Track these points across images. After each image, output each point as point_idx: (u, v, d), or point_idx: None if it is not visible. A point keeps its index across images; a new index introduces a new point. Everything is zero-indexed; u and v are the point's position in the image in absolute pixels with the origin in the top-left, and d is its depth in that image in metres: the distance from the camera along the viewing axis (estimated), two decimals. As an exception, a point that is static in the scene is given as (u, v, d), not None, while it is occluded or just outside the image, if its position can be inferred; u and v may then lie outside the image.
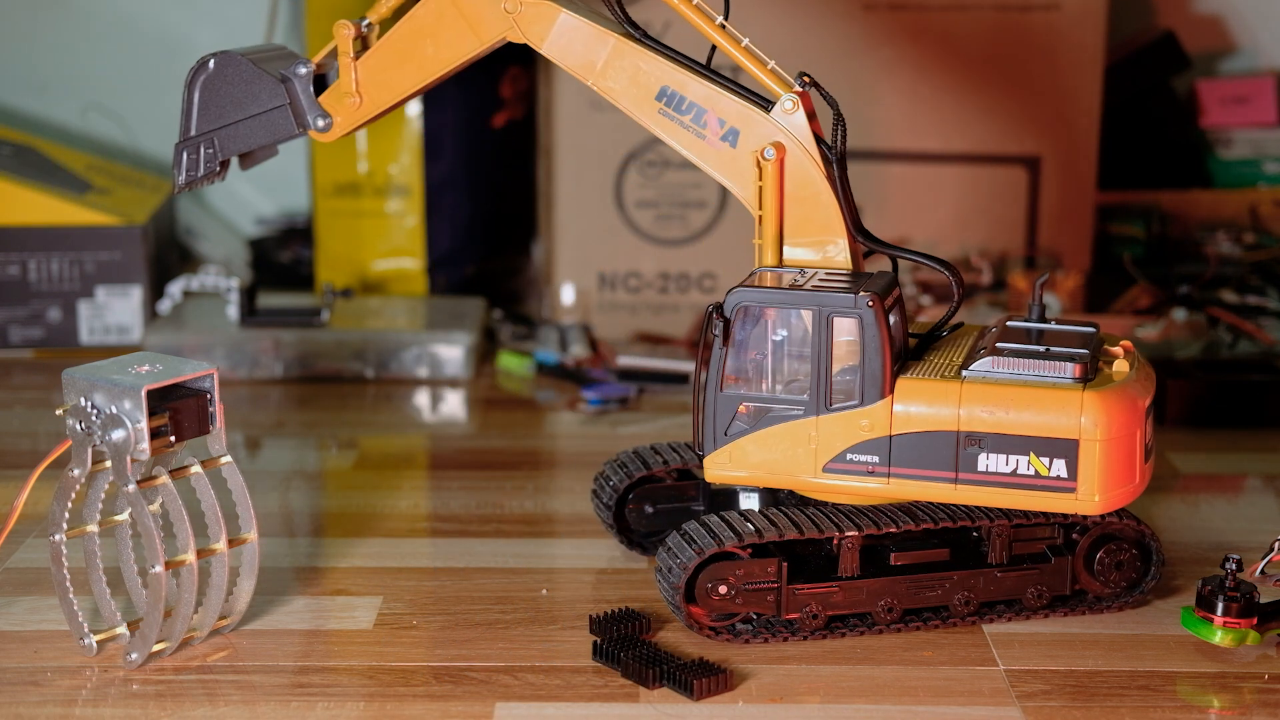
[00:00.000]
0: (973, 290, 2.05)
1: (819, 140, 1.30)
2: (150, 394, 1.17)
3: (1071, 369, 1.23)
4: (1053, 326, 1.31)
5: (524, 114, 2.30)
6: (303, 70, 1.38)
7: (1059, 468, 1.23)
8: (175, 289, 2.05)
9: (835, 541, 1.27)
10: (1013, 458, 1.23)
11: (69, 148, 2.33)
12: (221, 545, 1.24)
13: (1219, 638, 1.23)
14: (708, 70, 1.32)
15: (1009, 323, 1.32)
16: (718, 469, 1.29)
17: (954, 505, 1.29)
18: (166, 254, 2.24)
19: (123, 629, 1.26)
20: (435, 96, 2.17)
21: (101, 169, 2.26)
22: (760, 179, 1.30)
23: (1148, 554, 1.32)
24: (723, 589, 1.26)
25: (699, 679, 1.18)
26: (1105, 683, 1.21)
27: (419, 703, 1.18)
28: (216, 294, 2.06)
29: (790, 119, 1.29)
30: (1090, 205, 2.10)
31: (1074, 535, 1.31)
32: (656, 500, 1.42)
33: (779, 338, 1.27)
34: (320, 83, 1.41)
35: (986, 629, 1.29)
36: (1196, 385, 1.80)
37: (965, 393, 1.23)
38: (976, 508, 1.29)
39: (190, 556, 1.21)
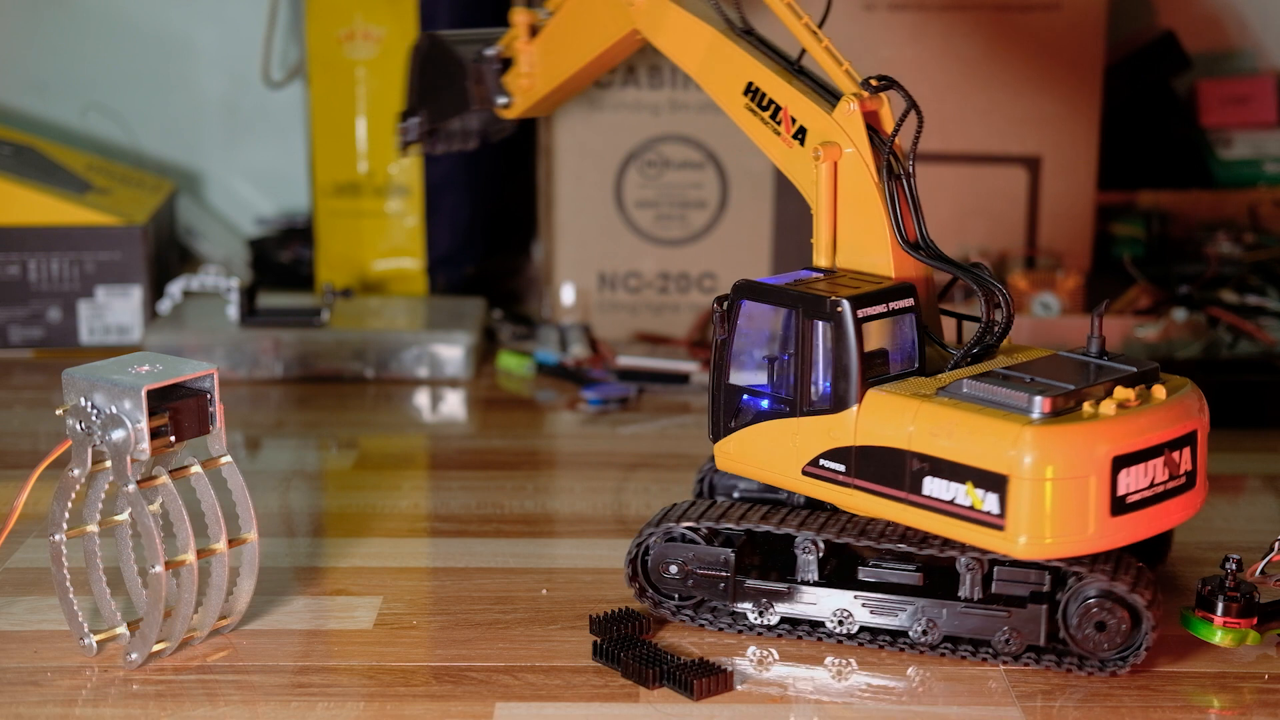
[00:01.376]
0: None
1: (886, 145, 1.27)
2: (150, 394, 1.17)
3: (1041, 402, 1.15)
4: (1103, 362, 1.23)
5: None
6: (489, 53, 1.57)
7: (991, 502, 1.16)
8: (175, 289, 2.05)
9: (797, 543, 1.26)
10: (953, 485, 1.17)
11: (69, 148, 2.33)
12: (221, 545, 1.24)
13: (1219, 638, 1.23)
14: (796, 69, 1.32)
15: (1061, 352, 1.26)
16: (725, 458, 1.30)
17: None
18: (166, 254, 2.24)
19: (123, 629, 1.26)
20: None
21: (101, 169, 2.26)
22: (816, 180, 1.29)
23: (1139, 621, 1.20)
24: (673, 569, 1.27)
25: (699, 679, 1.18)
26: (1105, 683, 1.21)
27: (419, 703, 1.18)
28: (216, 294, 2.06)
29: (847, 120, 1.28)
30: (1090, 205, 2.10)
31: (1063, 584, 1.21)
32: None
33: (771, 334, 1.27)
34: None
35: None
36: (1197, 385, 1.80)
37: (920, 412, 1.18)
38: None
39: (190, 556, 1.21)
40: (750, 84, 1.33)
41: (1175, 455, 1.19)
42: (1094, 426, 1.15)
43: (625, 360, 1.99)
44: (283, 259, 2.33)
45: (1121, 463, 1.16)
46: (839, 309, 1.21)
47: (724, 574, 1.26)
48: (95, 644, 1.24)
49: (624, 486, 1.62)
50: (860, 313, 1.21)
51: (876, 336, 1.23)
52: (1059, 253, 2.10)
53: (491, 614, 1.33)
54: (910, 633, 1.24)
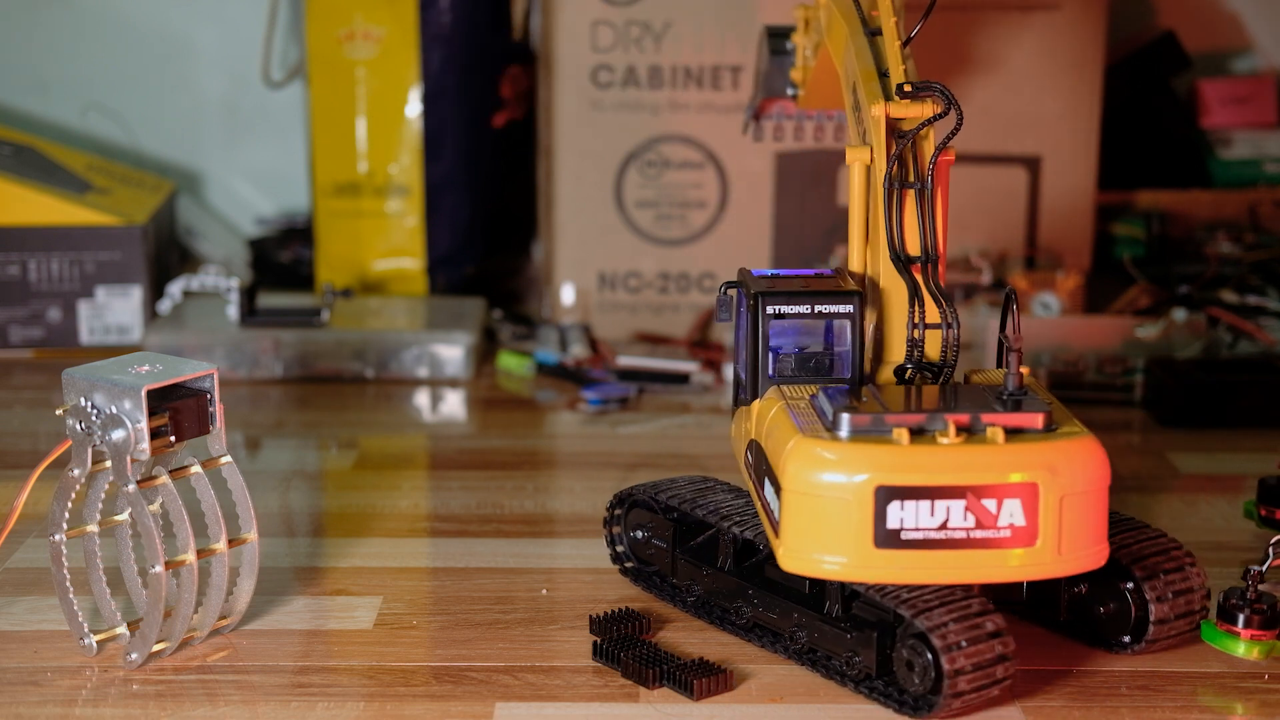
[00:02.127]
0: (973, 290, 2.04)
1: (896, 152, 1.24)
2: (150, 394, 1.17)
3: (848, 420, 1.12)
4: (1001, 397, 1.15)
5: (524, 114, 2.30)
6: (790, 46, 1.65)
7: (776, 508, 1.15)
8: (175, 289, 2.05)
9: (720, 532, 1.28)
10: (770, 487, 1.17)
11: (69, 148, 2.33)
12: (221, 545, 1.24)
13: (1243, 650, 1.21)
14: (883, 72, 1.31)
15: (972, 382, 1.22)
16: (732, 440, 1.34)
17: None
18: (166, 254, 2.24)
19: (123, 629, 1.26)
20: (435, 96, 2.17)
21: (101, 169, 2.26)
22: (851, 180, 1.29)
23: (941, 672, 1.11)
24: (640, 534, 1.34)
25: (699, 679, 1.18)
26: (1105, 683, 1.21)
27: (419, 703, 1.18)
28: (216, 294, 2.06)
29: (873, 124, 1.26)
30: (1090, 205, 2.10)
31: (901, 619, 1.15)
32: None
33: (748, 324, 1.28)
34: None
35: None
36: (1196, 385, 1.80)
37: (761, 412, 1.19)
38: None
39: (190, 556, 1.21)
40: (853, 83, 1.33)
41: (987, 504, 1.10)
42: (863, 450, 1.11)
43: (625, 360, 1.99)
44: (283, 259, 2.33)
45: (892, 494, 1.10)
46: (753, 302, 1.22)
47: (667, 547, 1.33)
48: (95, 644, 1.24)
49: (624, 487, 1.62)
50: (771, 309, 1.21)
51: (804, 336, 1.23)
52: (1059, 253, 2.10)
53: (491, 614, 1.33)
54: (780, 636, 1.23)
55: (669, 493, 1.34)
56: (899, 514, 1.10)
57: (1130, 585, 1.22)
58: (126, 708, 1.17)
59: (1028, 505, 1.10)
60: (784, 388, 1.22)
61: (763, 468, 1.19)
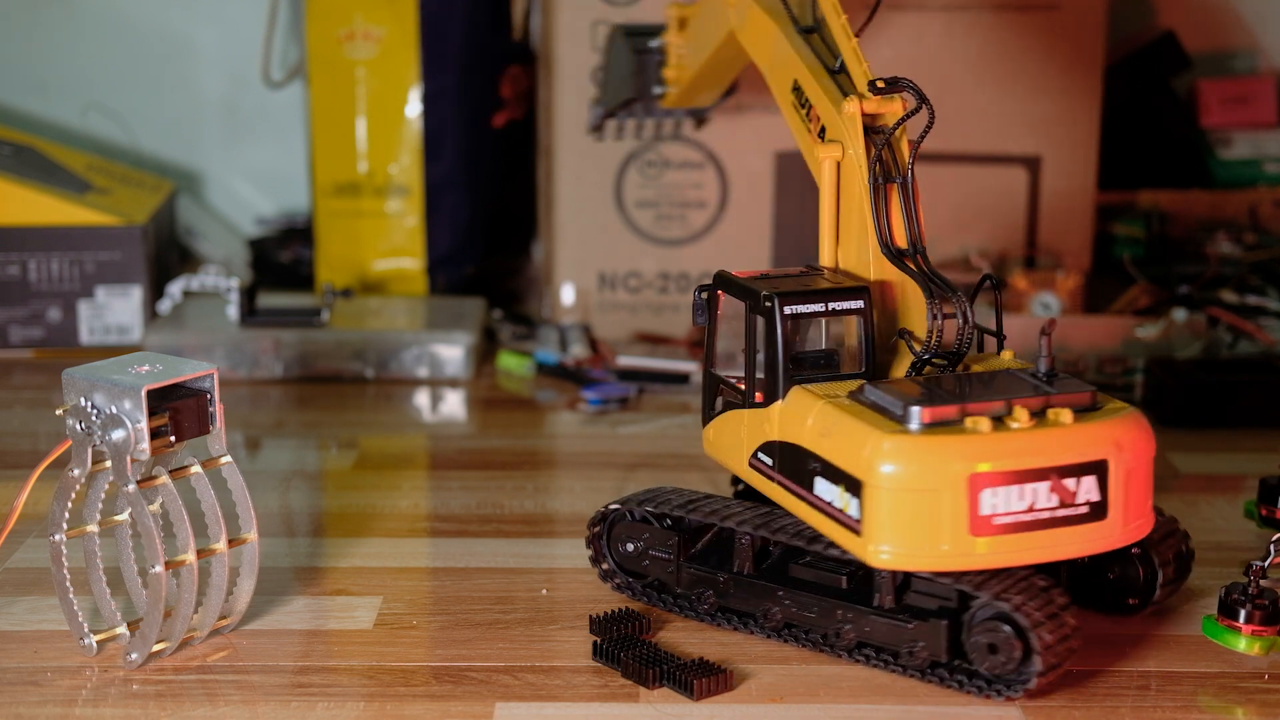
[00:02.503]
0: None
1: (878, 147, 1.26)
2: (150, 394, 1.17)
3: (919, 412, 1.13)
4: (1039, 381, 1.18)
5: (524, 114, 2.30)
6: (653, 44, 1.67)
7: (854, 507, 1.15)
8: (175, 289, 2.05)
9: (736, 536, 1.27)
10: (833, 487, 1.17)
11: (69, 148, 2.33)
12: (221, 545, 1.24)
13: (1244, 645, 1.22)
14: (839, 69, 1.32)
15: (1009, 369, 1.23)
16: (708, 444, 1.33)
17: None
18: (166, 254, 2.24)
19: (123, 629, 1.26)
20: (435, 96, 2.17)
21: (101, 169, 2.26)
22: (821, 177, 1.30)
23: (1030, 649, 1.14)
24: (630, 546, 1.32)
25: (699, 679, 1.18)
26: (1105, 683, 1.21)
27: (419, 703, 1.18)
28: (216, 294, 2.06)
29: (847, 120, 1.27)
30: (1090, 205, 2.10)
31: (969, 603, 1.17)
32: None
33: (738, 326, 1.28)
34: None
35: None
36: (1196, 385, 1.80)
37: (815, 411, 1.18)
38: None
39: (190, 556, 1.21)
40: (795, 82, 1.34)
41: (1068, 482, 1.14)
42: (954, 440, 1.12)
43: (625, 360, 1.99)
44: (283, 259, 2.33)
45: (985, 481, 1.12)
46: (769, 304, 1.21)
47: (670, 558, 1.30)
48: (95, 644, 1.24)
49: (624, 486, 1.62)
50: (789, 309, 1.21)
51: (814, 335, 1.24)
52: (1059, 253, 2.10)
53: (491, 614, 1.33)
54: (826, 634, 1.23)
55: (660, 502, 1.32)
56: (991, 500, 1.12)
57: (1138, 550, 1.26)
58: (126, 708, 1.17)
59: (1100, 481, 1.15)
60: (810, 386, 1.21)
61: (806, 467, 1.19)
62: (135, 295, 2.08)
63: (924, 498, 1.12)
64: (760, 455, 1.24)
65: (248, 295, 1.99)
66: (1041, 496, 1.13)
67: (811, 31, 1.37)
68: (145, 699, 1.18)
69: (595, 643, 1.24)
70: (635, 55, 1.70)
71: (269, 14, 2.37)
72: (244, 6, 2.43)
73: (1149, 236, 2.22)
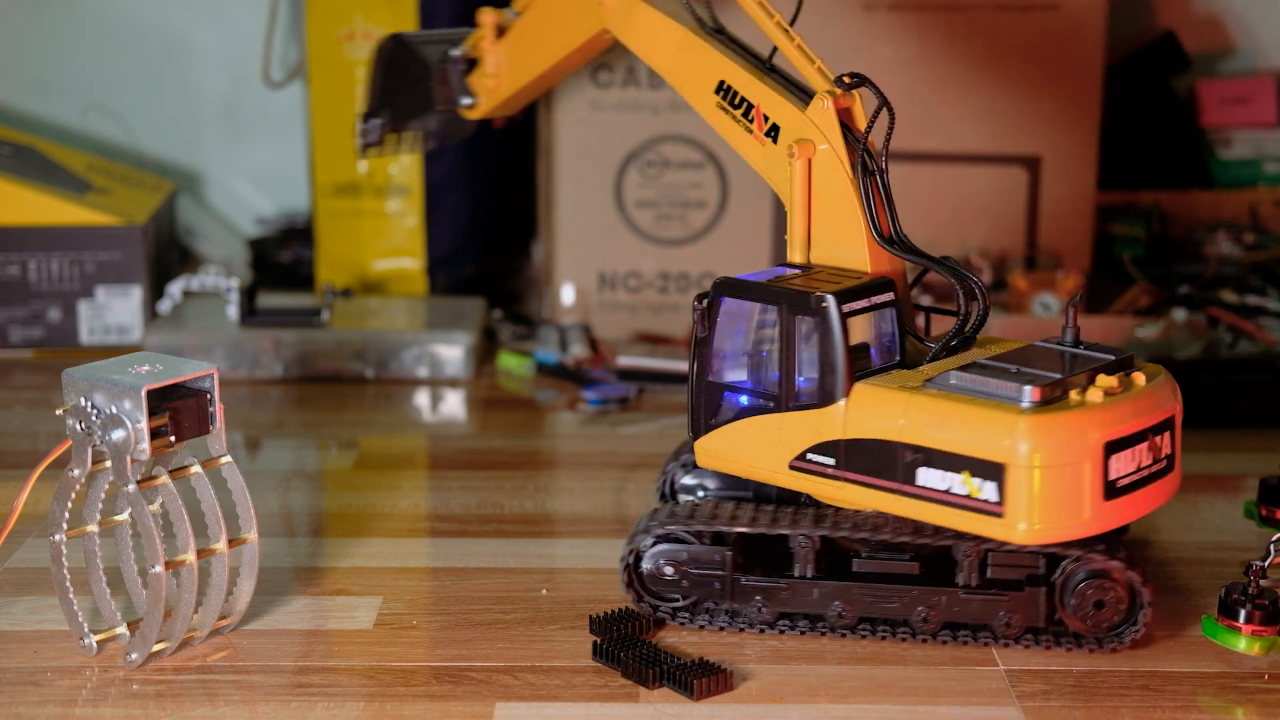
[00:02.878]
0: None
1: (860, 141, 1.28)
2: (150, 394, 1.17)
3: (1030, 391, 1.17)
4: (1079, 351, 1.25)
5: (524, 114, 2.30)
6: (455, 53, 1.58)
7: (989, 490, 1.17)
8: (175, 289, 2.05)
9: (791, 540, 1.27)
10: (948, 475, 1.19)
11: (69, 148, 2.33)
12: (221, 545, 1.24)
13: (1244, 645, 1.21)
14: (767, 66, 1.33)
15: (1037, 343, 1.27)
16: (706, 455, 1.30)
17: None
18: (166, 254, 2.24)
19: (123, 629, 1.26)
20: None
21: (101, 169, 2.26)
22: (790, 177, 1.30)
23: (1135, 597, 1.24)
24: (669, 570, 1.27)
25: (699, 679, 1.18)
26: (1105, 683, 1.21)
27: (419, 703, 1.18)
28: (216, 294, 2.06)
29: (821, 117, 1.28)
30: (1090, 205, 2.10)
31: (1058, 566, 1.24)
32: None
33: (752, 331, 1.27)
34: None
35: (986, 629, 1.30)
36: (1196, 385, 1.80)
37: (912, 404, 1.19)
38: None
39: (190, 556, 1.21)
40: (722, 82, 1.34)
41: (1157, 440, 1.23)
42: (1086, 414, 1.17)
43: (625, 360, 1.99)
44: (283, 259, 2.33)
45: (1112, 448, 1.18)
46: (824, 304, 1.21)
47: (721, 573, 1.27)
48: (95, 644, 1.24)
49: (624, 486, 1.62)
50: (845, 308, 1.22)
51: (859, 331, 1.24)
52: (1059, 253, 2.10)
53: (491, 614, 1.33)
54: (910, 620, 1.25)
55: (695, 521, 1.28)
56: (1116, 466, 1.19)
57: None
58: (126, 708, 1.17)
59: (1171, 435, 1.26)
60: (872, 382, 1.22)
61: (901, 461, 1.20)
62: (135, 295, 2.08)
63: (1067, 471, 1.16)
64: (813, 457, 1.24)
65: (248, 295, 1.99)
66: (1143, 456, 1.22)
67: (719, 32, 1.37)
68: (145, 699, 1.18)
69: (595, 643, 1.24)
70: (436, 64, 1.62)
71: (269, 14, 2.38)
72: (244, 6, 2.43)
73: (1149, 236, 2.22)
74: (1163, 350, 1.90)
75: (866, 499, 1.23)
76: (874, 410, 1.21)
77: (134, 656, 1.22)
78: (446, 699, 1.18)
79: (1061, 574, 1.24)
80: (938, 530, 1.24)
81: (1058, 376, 1.19)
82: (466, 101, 1.61)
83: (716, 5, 1.38)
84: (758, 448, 1.27)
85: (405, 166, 2.18)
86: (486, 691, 1.19)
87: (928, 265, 1.27)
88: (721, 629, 1.28)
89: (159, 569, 1.19)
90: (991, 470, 1.17)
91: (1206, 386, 1.80)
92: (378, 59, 1.67)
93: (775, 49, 1.34)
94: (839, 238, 1.29)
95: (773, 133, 1.31)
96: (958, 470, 1.18)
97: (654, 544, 1.28)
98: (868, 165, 1.28)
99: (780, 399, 1.25)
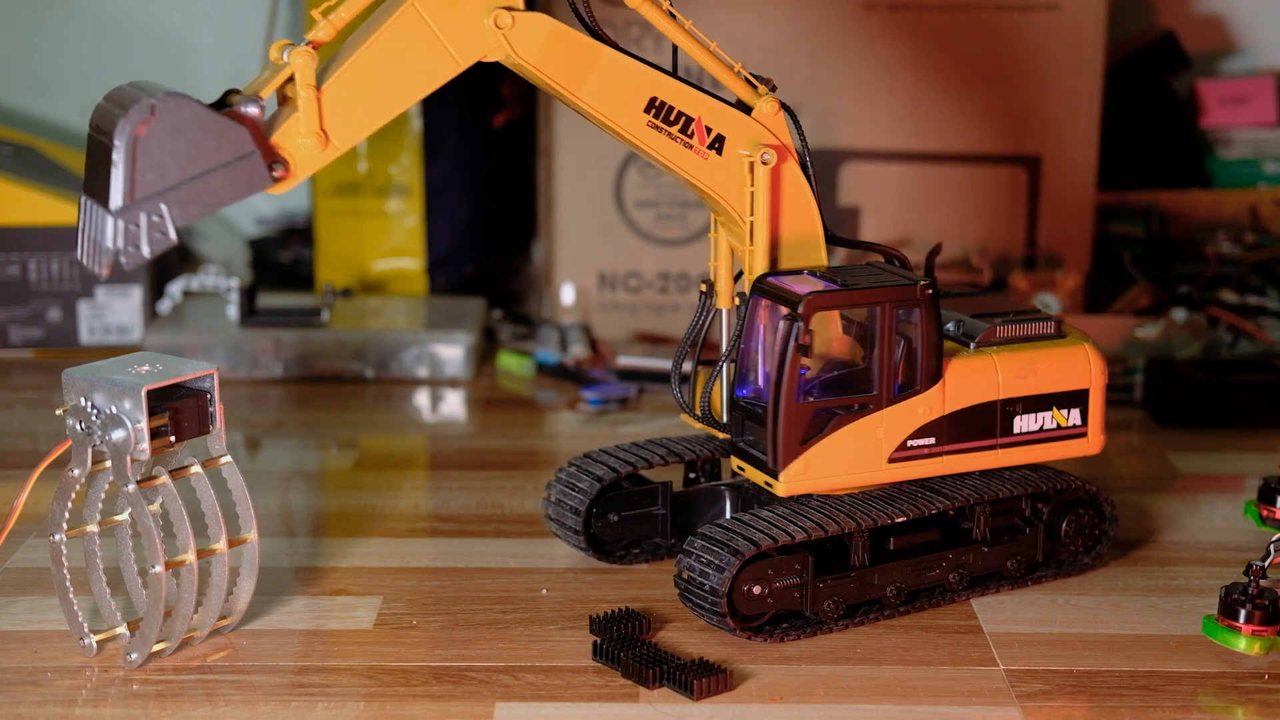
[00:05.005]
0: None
1: (804, 141, 1.32)
2: (150, 394, 1.17)
3: (1052, 326, 1.35)
4: (955, 294, 1.41)
5: (524, 114, 2.30)
6: (254, 110, 1.19)
7: (1075, 417, 1.34)
8: (175, 289, 2.05)
9: (852, 534, 1.28)
10: (1040, 415, 1.33)
11: (69, 148, 2.33)
12: (221, 545, 1.24)
13: (1244, 645, 1.22)
14: (682, 78, 1.29)
15: (948, 294, 1.39)
16: (796, 481, 1.27)
17: (942, 487, 1.33)
18: (166, 254, 2.24)
19: (123, 629, 1.26)
20: (435, 96, 2.17)
21: (101, 169, 2.26)
22: (752, 184, 1.29)
23: (1102, 513, 1.39)
24: (758, 589, 1.26)
25: (699, 679, 1.18)
26: (1105, 683, 1.21)
27: (419, 703, 1.18)
28: (216, 294, 2.06)
29: (773, 120, 1.29)
30: (1090, 205, 2.10)
31: (1039, 506, 1.37)
32: (620, 508, 1.41)
33: (832, 340, 1.30)
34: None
35: (987, 628, 1.30)
36: (1196, 385, 1.80)
37: (1001, 364, 1.32)
38: (958, 490, 1.33)
39: (190, 556, 1.21)
40: (654, 99, 1.27)
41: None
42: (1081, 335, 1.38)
43: (625, 360, 1.99)
44: (283, 259, 2.33)
45: None
46: (927, 291, 1.27)
47: (800, 581, 1.27)
48: (95, 644, 1.24)
49: (624, 486, 1.62)
50: (936, 292, 1.29)
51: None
52: (1059, 253, 2.10)
53: (491, 614, 1.33)
54: (948, 582, 1.33)
55: (767, 529, 1.26)
56: None
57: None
58: (126, 708, 1.17)
59: None
60: (951, 352, 1.32)
61: (999, 416, 1.32)
62: (135, 295, 2.08)
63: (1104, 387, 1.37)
64: (913, 443, 1.29)
65: (248, 295, 1.99)
66: None
67: (617, 45, 1.27)
68: (145, 699, 1.18)
69: (595, 643, 1.24)
70: (238, 126, 1.19)
71: (269, 14, 2.37)
72: (244, 6, 2.43)
73: (1149, 236, 2.22)
74: (1163, 350, 1.90)
75: (965, 464, 1.32)
76: (973, 379, 1.31)
77: (134, 656, 1.22)
78: (446, 699, 1.18)
79: (1048, 509, 1.37)
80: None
81: (1053, 313, 1.36)
82: (277, 173, 1.18)
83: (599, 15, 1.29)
84: (855, 454, 1.28)
85: (405, 166, 2.18)
86: (486, 691, 1.19)
87: (867, 249, 1.35)
88: (799, 636, 1.28)
89: (159, 569, 1.19)
90: (1077, 398, 1.35)
91: (1206, 386, 1.80)
92: (131, 131, 1.18)
93: (675, 54, 1.32)
94: (799, 238, 1.31)
95: (717, 144, 1.29)
96: (1048, 408, 1.33)
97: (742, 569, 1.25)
98: (808, 163, 1.31)
99: (880, 396, 1.27)
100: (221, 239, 2.42)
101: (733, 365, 1.33)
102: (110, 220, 1.12)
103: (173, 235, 1.13)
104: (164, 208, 1.13)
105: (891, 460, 1.29)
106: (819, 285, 1.26)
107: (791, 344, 1.23)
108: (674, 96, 1.27)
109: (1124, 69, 2.29)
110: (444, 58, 1.23)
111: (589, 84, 1.26)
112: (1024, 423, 1.33)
